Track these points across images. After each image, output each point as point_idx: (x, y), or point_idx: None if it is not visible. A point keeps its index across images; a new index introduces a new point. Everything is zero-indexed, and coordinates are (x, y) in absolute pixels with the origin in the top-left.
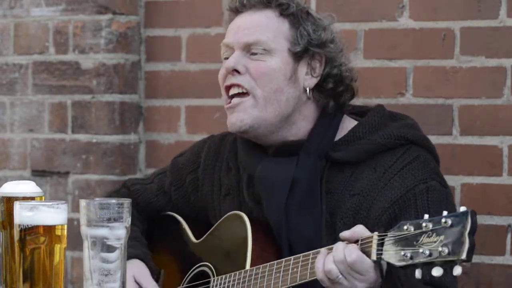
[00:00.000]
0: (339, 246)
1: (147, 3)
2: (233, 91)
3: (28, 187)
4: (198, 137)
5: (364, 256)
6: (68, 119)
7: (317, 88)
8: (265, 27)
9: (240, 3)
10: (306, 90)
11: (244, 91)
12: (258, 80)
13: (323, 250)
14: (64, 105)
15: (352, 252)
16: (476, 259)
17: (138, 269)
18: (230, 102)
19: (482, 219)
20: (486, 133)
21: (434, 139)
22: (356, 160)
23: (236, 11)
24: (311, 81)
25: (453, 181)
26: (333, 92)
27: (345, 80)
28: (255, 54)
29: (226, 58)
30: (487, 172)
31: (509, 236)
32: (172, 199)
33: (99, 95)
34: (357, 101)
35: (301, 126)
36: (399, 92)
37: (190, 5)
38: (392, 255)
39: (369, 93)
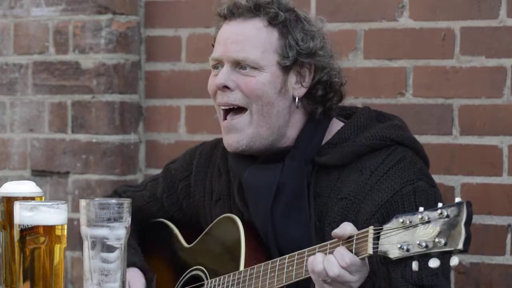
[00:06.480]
0: (333, 264)
1: (147, 3)
2: (226, 106)
3: (28, 187)
4: (198, 137)
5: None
6: (68, 119)
7: (306, 95)
8: (254, 41)
9: (229, 10)
10: (295, 99)
11: (240, 105)
12: (250, 96)
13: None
14: (64, 105)
15: (346, 259)
16: (476, 259)
17: (133, 278)
18: (225, 119)
19: (482, 219)
20: (486, 133)
21: (434, 139)
22: (341, 163)
23: (225, 18)
24: (301, 91)
25: (453, 181)
26: (323, 98)
27: (334, 86)
28: (244, 68)
29: (215, 67)
30: (487, 172)
31: (509, 236)
32: (164, 206)
33: (99, 95)
34: (357, 101)
35: (289, 135)
36: (399, 92)
37: (190, 5)
38: (388, 248)
39: (369, 93)
